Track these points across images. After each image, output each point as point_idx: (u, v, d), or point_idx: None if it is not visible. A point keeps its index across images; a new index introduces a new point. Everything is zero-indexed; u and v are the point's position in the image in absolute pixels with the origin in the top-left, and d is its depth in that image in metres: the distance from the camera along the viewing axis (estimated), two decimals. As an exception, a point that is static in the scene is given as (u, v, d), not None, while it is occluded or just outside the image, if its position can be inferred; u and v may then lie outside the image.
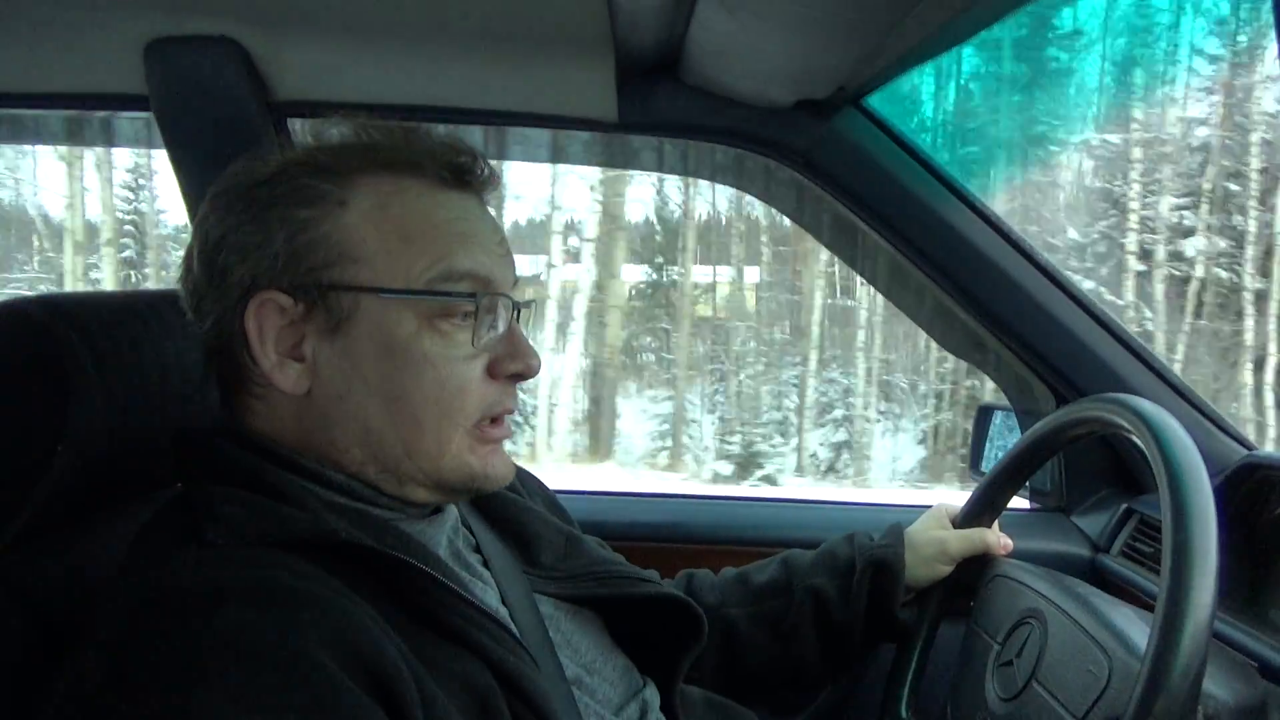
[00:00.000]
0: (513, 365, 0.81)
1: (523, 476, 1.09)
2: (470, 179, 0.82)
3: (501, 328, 0.80)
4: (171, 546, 0.68)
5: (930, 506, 1.23)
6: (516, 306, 0.83)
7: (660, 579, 1.10)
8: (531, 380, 0.84)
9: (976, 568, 1.12)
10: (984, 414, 1.63)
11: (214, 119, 1.26)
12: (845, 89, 1.25)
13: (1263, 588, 1.06)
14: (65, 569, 0.79)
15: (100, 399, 0.76)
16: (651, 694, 0.94)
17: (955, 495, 1.24)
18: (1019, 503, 1.48)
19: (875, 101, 1.33)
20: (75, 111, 1.44)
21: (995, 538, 1.14)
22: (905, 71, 1.22)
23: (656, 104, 1.34)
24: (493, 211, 0.86)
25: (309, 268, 0.75)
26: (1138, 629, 0.84)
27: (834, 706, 1.44)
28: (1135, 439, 0.86)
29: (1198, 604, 0.70)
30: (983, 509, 1.16)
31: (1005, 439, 1.58)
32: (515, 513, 0.99)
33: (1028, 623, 0.95)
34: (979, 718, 0.95)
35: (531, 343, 0.83)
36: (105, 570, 0.82)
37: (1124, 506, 1.40)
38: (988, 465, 1.57)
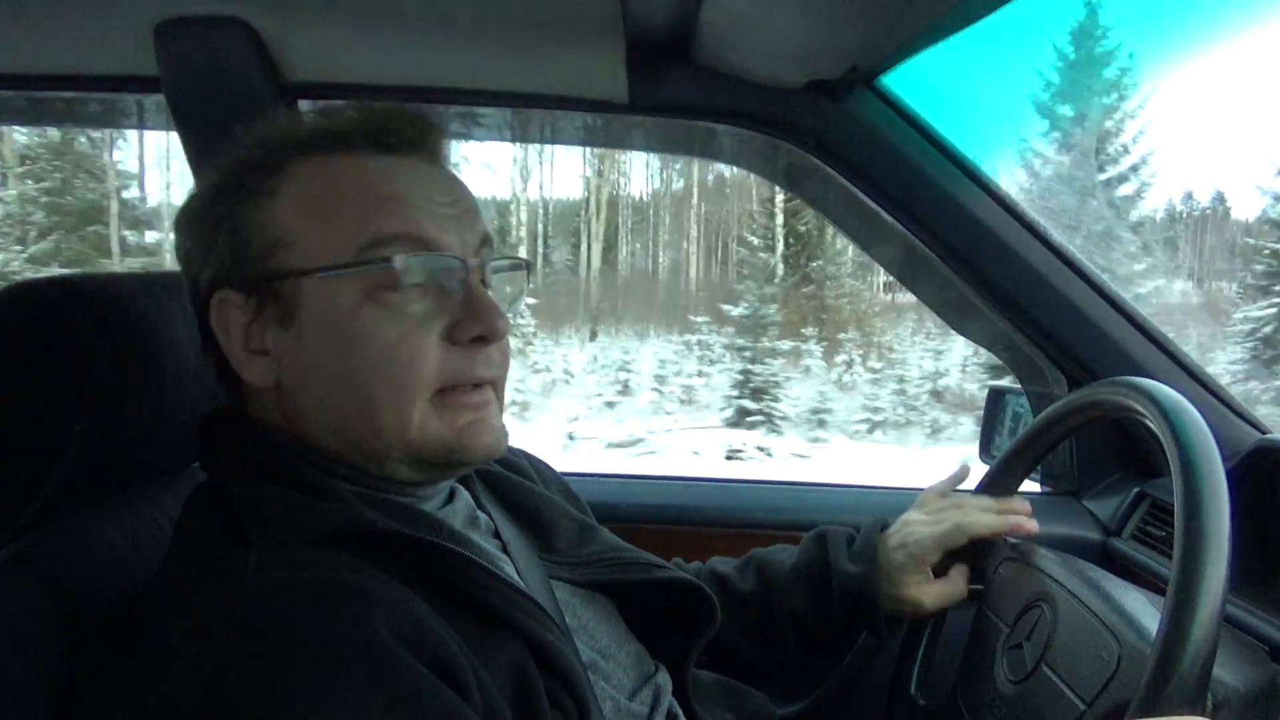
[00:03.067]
0: (472, 329, 0.77)
1: (537, 464, 1.10)
2: (402, 141, 0.79)
3: (455, 289, 0.78)
4: (220, 548, 0.69)
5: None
6: (482, 265, 0.80)
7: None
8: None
9: (986, 550, 1.12)
10: (995, 396, 1.62)
11: (225, 100, 1.26)
12: (858, 69, 1.24)
13: (1275, 571, 1.06)
14: (87, 554, 0.80)
15: (115, 380, 0.77)
16: (664, 679, 0.95)
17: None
18: (1030, 486, 1.48)
19: (889, 82, 1.32)
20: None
21: (966, 517, 1.10)
22: (919, 51, 1.21)
23: (667, 85, 1.33)
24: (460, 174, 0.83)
25: (249, 260, 0.77)
26: (1148, 613, 0.84)
27: (843, 688, 1.44)
28: (1148, 422, 0.85)
29: (1209, 589, 0.70)
30: (993, 493, 1.16)
31: (1016, 422, 1.58)
32: (531, 499, 1.00)
33: (1038, 606, 0.95)
34: (988, 700, 0.95)
35: (494, 303, 0.79)
36: (126, 557, 0.83)
37: (1136, 490, 1.39)
38: (998, 449, 1.56)
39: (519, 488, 1.00)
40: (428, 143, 0.81)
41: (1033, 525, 1.10)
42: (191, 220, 0.80)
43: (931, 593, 1.10)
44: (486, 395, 0.80)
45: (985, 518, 1.10)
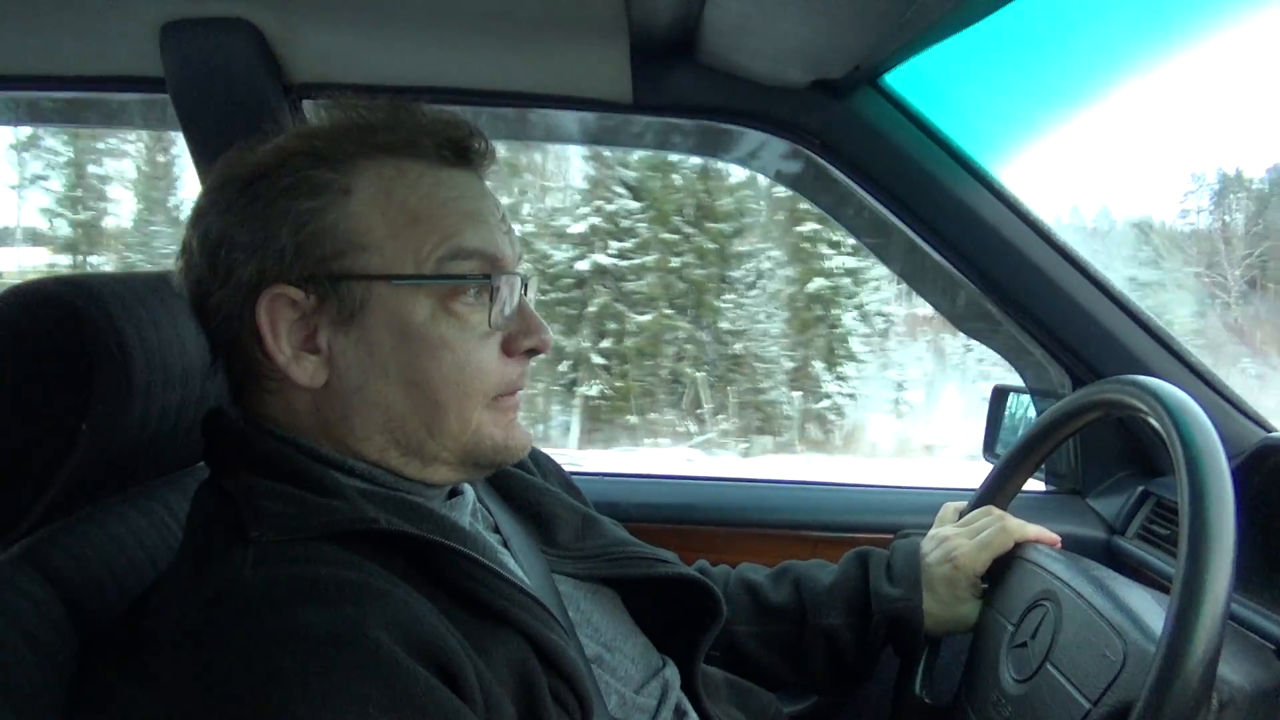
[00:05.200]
0: (528, 341, 0.81)
1: (538, 458, 1.10)
2: (469, 155, 0.81)
3: (513, 305, 0.80)
4: (221, 545, 0.68)
5: (941, 487, 1.21)
6: (524, 282, 0.82)
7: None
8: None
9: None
10: (999, 396, 1.62)
11: (230, 101, 1.26)
12: (861, 68, 1.24)
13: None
14: (93, 551, 0.80)
15: (123, 379, 0.77)
16: (672, 673, 0.95)
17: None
18: (1034, 485, 1.48)
19: (892, 80, 1.32)
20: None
21: (1008, 522, 1.09)
22: (923, 50, 1.21)
23: (671, 85, 1.34)
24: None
25: (318, 259, 0.74)
26: (1153, 612, 0.84)
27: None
28: (1152, 421, 0.85)
29: (1214, 587, 0.70)
30: (996, 492, 1.15)
31: (1020, 421, 1.58)
32: (532, 493, 0.99)
33: (1042, 604, 0.95)
34: (993, 699, 0.95)
35: (540, 317, 0.83)
36: (134, 554, 0.84)
37: (1140, 489, 1.39)
38: (1002, 448, 1.56)
39: (519, 481, 1.00)
40: (487, 160, 0.83)
41: (1054, 537, 1.09)
42: (235, 208, 0.75)
43: (977, 608, 1.07)
44: (519, 399, 0.83)
45: (1024, 523, 1.09)
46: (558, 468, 1.13)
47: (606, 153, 11.46)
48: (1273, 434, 1.28)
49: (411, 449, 0.78)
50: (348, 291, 0.75)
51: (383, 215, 0.76)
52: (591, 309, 11.53)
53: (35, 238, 12.36)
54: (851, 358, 11.73)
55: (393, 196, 0.76)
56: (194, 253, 0.77)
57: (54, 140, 11.87)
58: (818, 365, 11.56)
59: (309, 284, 0.74)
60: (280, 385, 0.77)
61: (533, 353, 0.82)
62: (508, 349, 0.80)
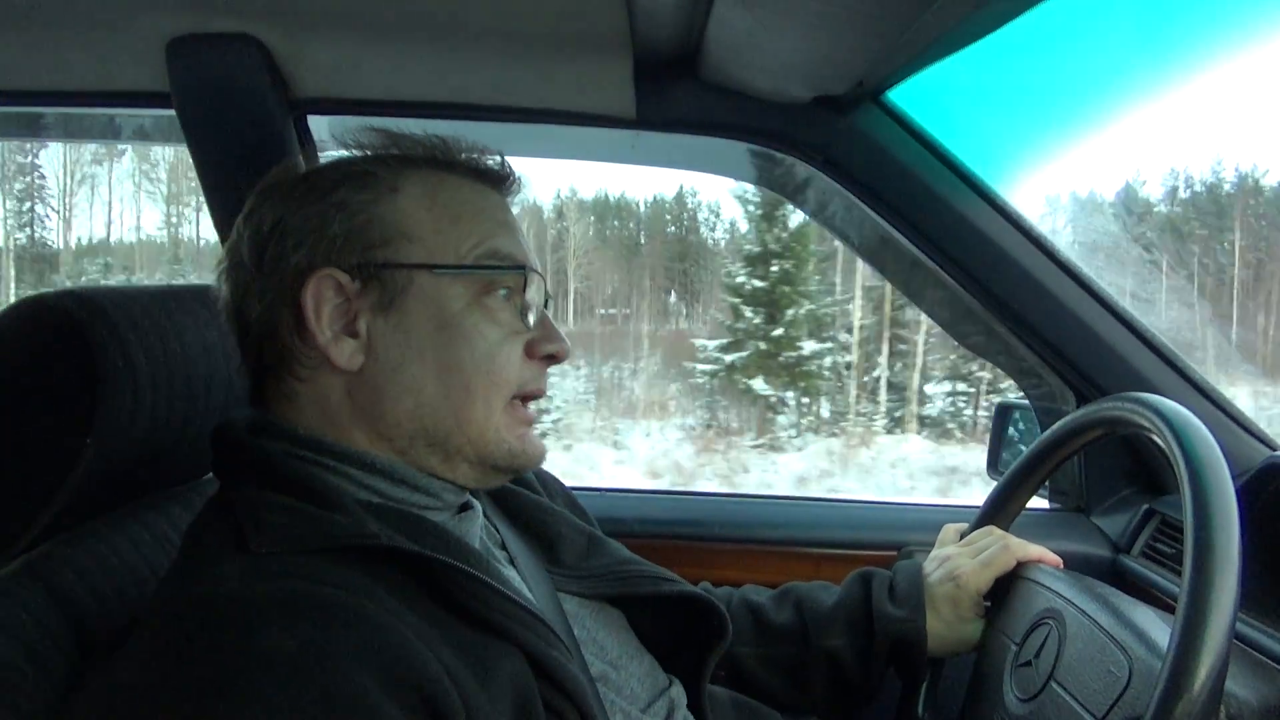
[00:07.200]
0: (548, 346, 0.85)
1: (543, 477, 1.10)
2: (501, 179, 0.88)
3: (537, 312, 0.84)
4: (217, 554, 0.69)
5: (944, 504, 1.21)
6: (545, 295, 0.87)
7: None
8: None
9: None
10: (1003, 412, 1.62)
11: (236, 116, 1.27)
12: (864, 84, 1.24)
13: (1286, 589, 1.05)
14: (98, 565, 0.80)
15: (128, 393, 0.77)
16: (678, 692, 0.94)
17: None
18: (1039, 502, 1.47)
19: (895, 96, 1.33)
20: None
21: (1010, 541, 1.09)
22: (926, 66, 1.21)
23: (674, 101, 1.34)
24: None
25: (366, 246, 0.80)
26: (1159, 629, 0.84)
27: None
28: (1157, 439, 0.85)
29: (1220, 604, 0.70)
30: (1000, 509, 1.15)
31: (1025, 438, 1.57)
32: (538, 513, 1.00)
33: (1046, 623, 0.94)
34: (997, 718, 0.94)
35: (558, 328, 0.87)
36: (137, 568, 0.84)
37: (1145, 507, 1.38)
38: (1006, 465, 1.56)
39: (525, 500, 1.01)
40: (516, 188, 0.91)
41: (1056, 558, 1.09)
42: (291, 199, 0.81)
43: (980, 628, 1.07)
44: (535, 411, 0.87)
45: (1026, 543, 1.09)
46: (563, 488, 1.14)
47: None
48: (1278, 452, 1.27)
49: (438, 439, 0.81)
50: (390, 279, 0.80)
51: (427, 213, 0.82)
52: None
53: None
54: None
55: (437, 198, 0.83)
56: (243, 246, 0.81)
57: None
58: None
59: (355, 270, 0.79)
60: (313, 373, 0.80)
61: (550, 360, 0.86)
62: (529, 351, 0.84)
